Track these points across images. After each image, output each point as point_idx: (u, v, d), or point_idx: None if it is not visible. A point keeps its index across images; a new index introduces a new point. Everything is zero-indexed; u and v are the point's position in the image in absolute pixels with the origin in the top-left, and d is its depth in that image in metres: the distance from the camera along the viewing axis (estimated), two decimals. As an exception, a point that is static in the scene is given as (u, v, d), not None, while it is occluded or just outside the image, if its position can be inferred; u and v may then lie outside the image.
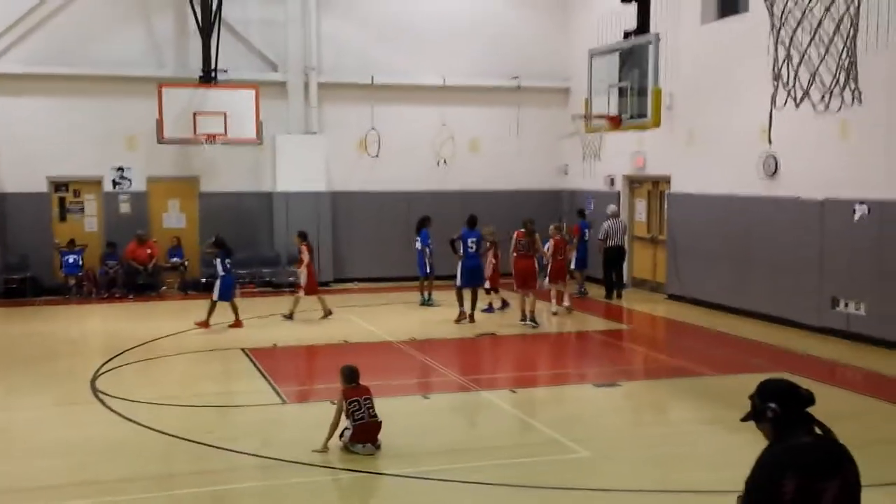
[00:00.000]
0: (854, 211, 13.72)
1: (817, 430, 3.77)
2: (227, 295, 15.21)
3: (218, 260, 15.25)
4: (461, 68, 21.34)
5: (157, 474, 8.18)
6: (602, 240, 18.66)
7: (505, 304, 16.85)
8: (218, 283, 15.18)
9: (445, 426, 9.89)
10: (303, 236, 16.46)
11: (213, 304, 15.06)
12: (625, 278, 20.05)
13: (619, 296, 18.89)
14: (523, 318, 15.52)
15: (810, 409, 3.81)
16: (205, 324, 14.94)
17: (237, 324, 15.18)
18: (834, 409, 10.25)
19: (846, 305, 14.04)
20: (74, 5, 19.25)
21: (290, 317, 16.02)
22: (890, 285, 13.19)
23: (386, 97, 20.90)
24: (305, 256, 16.20)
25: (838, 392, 10.77)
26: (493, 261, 16.53)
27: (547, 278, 16.67)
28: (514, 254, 15.78)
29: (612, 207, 19.25)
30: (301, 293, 16.26)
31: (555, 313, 16.60)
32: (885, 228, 13.23)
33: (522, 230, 15.76)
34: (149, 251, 19.22)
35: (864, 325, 13.64)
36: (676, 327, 16.00)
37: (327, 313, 16.21)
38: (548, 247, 16.52)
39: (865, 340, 13.44)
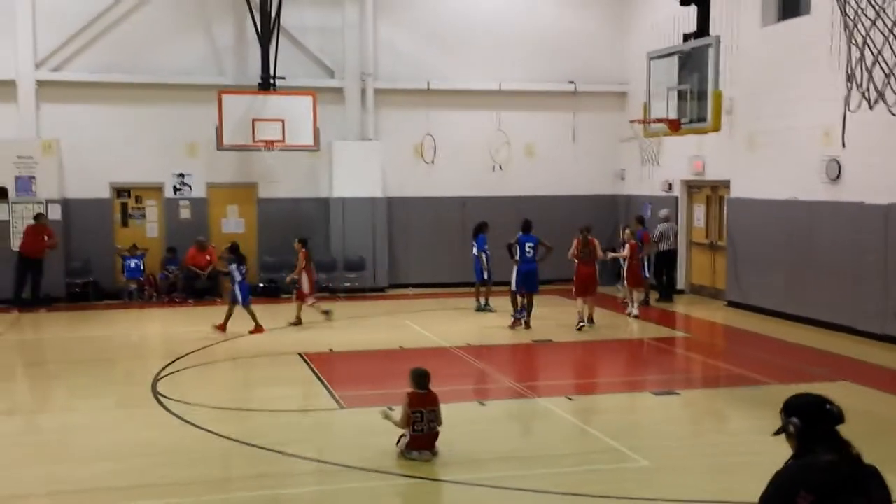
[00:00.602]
0: (921, 216, 13.36)
1: (851, 450, 3.64)
2: (245, 300, 15.37)
3: (234, 266, 15.43)
4: (516, 73, 21.28)
5: (215, 478, 8.26)
6: (655, 242, 18.61)
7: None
8: (237, 288, 15.34)
9: (502, 433, 9.83)
10: (303, 242, 16.50)
11: (245, 308, 15.31)
12: (682, 284, 19.85)
13: (671, 299, 18.74)
14: (580, 324, 15.48)
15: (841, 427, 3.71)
16: (222, 327, 15.20)
17: (258, 329, 15.27)
18: (901, 420, 10.02)
19: (913, 313, 13.68)
20: (137, 14, 19.61)
21: (297, 322, 16.07)
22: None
23: (441, 103, 20.92)
24: (304, 263, 16.20)
25: (905, 402, 10.48)
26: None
27: (625, 282, 17.22)
28: (576, 260, 15.83)
29: (664, 211, 19.19)
30: (310, 300, 16.27)
31: (636, 316, 16.83)
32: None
33: (580, 237, 15.84)
34: (208, 257, 19.46)
35: (932, 333, 13.28)
36: (736, 334, 15.73)
37: (297, 322, 16.11)
38: (625, 250, 17.02)
39: (933, 349, 13.08)
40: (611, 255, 17.69)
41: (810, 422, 3.73)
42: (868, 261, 14.36)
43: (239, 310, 15.29)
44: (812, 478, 3.50)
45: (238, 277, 15.44)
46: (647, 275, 18.26)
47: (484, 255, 17.35)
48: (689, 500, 7.49)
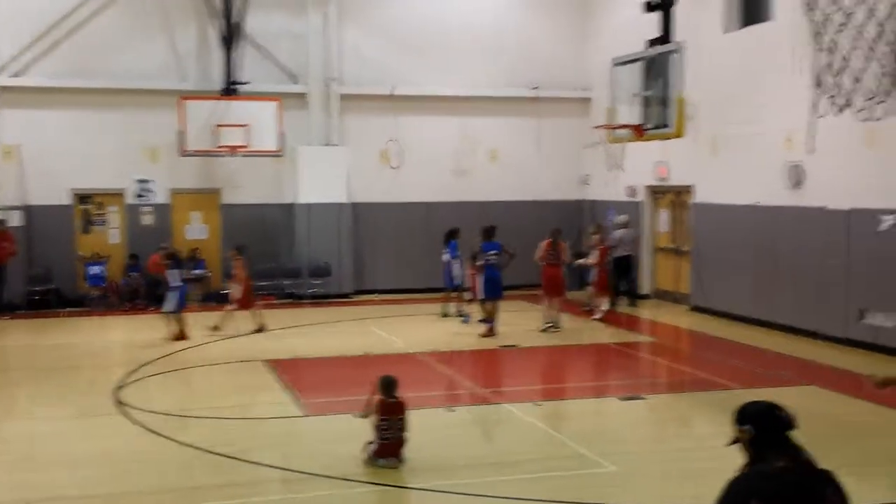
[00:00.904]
0: (881, 221, 13.55)
1: (803, 455, 3.65)
2: (179, 307, 15.22)
3: (173, 272, 15.32)
4: (481, 79, 21.31)
5: (180, 486, 8.15)
6: (612, 247, 18.73)
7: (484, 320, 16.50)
8: (175, 294, 15.20)
9: (469, 439, 9.81)
10: (240, 250, 16.45)
11: (174, 315, 15.14)
12: (646, 289, 19.97)
13: (634, 304, 18.88)
14: (548, 324, 15.74)
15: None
16: (183, 335, 15.05)
17: (182, 336, 15.08)
18: (864, 423, 10.15)
19: (874, 317, 13.84)
20: (98, 19, 19.38)
21: (217, 329, 15.79)
22: (919, 296, 13.01)
23: (407, 108, 20.90)
24: (240, 272, 16.17)
25: (869, 406, 10.59)
26: (472, 271, 16.30)
27: (593, 287, 17.40)
28: (543, 263, 15.98)
29: (622, 217, 19.35)
30: (233, 307, 16.09)
31: (600, 320, 17.04)
32: (913, 239, 13.05)
33: (550, 240, 16.06)
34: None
35: (892, 337, 13.45)
36: (701, 339, 15.84)
37: (260, 328, 16.00)
38: (594, 256, 17.28)
39: (893, 353, 13.23)
40: (578, 262, 17.78)
41: (761, 429, 3.72)
42: (831, 265, 14.53)
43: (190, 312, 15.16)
44: (763, 486, 3.49)
45: (176, 283, 15.28)
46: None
47: (458, 262, 17.24)
48: (657, 504, 7.51)
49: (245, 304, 16.22)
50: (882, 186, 13.58)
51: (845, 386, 11.44)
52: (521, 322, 16.59)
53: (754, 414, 3.79)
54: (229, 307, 16.21)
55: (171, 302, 15.25)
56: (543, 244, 16.17)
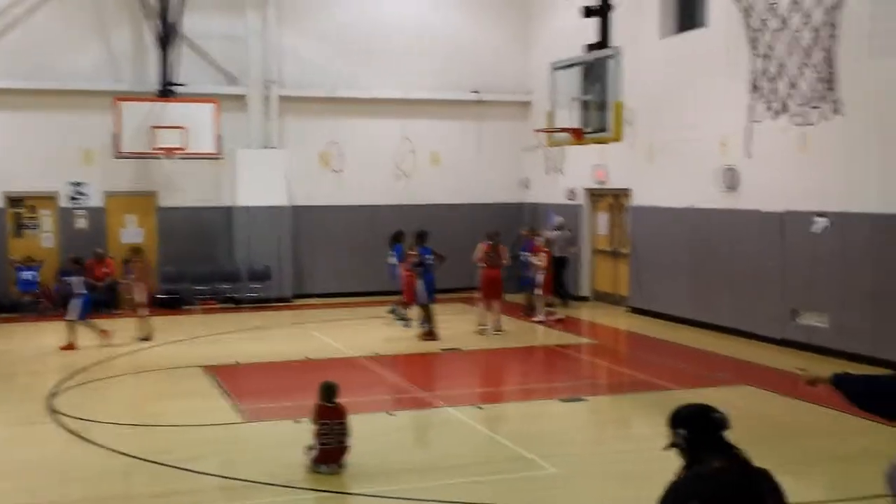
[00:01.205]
0: (814, 223, 13.85)
1: (739, 455, 3.70)
2: (82, 315, 14.85)
3: (75, 279, 15.02)
4: (422, 82, 21.30)
5: (115, 496, 7.99)
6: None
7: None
8: (79, 301, 14.83)
9: (411, 444, 9.78)
10: (137, 251, 16.19)
11: (76, 322, 14.74)
12: (586, 291, 20.16)
13: (566, 304, 19.05)
14: (482, 327, 15.89)
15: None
16: (72, 346, 14.59)
17: (70, 346, 14.57)
18: (800, 422, 10.36)
19: (808, 318, 14.14)
20: (30, 20, 18.93)
21: (147, 338, 15.38)
22: (851, 297, 13.32)
23: (347, 111, 20.80)
24: (140, 274, 15.83)
25: (805, 406, 10.81)
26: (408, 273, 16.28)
27: (540, 289, 17.33)
28: (482, 265, 16.12)
29: (557, 219, 19.56)
30: (146, 312, 15.60)
31: (542, 322, 17.18)
32: (845, 240, 13.37)
33: (490, 243, 16.14)
34: (105, 269, 18.86)
35: (826, 337, 13.75)
36: (639, 341, 16.02)
37: (146, 337, 15.42)
38: (541, 258, 17.22)
39: (827, 353, 13.52)
40: (531, 260, 17.80)
41: (696, 431, 3.76)
42: (766, 267, 14.81)
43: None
44: (702, 487, 3.52)
45: (80, 291, 14.93)
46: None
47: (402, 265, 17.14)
48: (598, 506, 7.57)
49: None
50: (815, 189, 13.88)
51: (781, 386, 11.66)
52: (461, 325, 16.60)
53: (688, 417, 3.84)
54: (142, 312, 15.60)
55: (73, 310, 14.78)
56: (482, 246, 16.26)
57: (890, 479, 4.37)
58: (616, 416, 11.17)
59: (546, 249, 17.49)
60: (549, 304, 17.65)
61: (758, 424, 9.71)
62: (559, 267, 19.22)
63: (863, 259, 13.14)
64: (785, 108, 8.94)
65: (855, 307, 13.25)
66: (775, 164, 14.52)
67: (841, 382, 5.09)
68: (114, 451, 9.07)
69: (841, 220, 13.44)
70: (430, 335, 15.43)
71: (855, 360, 12.90)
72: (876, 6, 12.42)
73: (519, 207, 22.28)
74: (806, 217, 13.98)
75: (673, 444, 3.85)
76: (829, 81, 8.97)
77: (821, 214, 13.75)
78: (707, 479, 3.54)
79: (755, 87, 9.04)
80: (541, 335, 16.49)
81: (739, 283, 15.41)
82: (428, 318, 15.59)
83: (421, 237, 16.03)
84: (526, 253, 17.91)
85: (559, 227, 19.38)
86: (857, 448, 9.20)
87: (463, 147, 21.80)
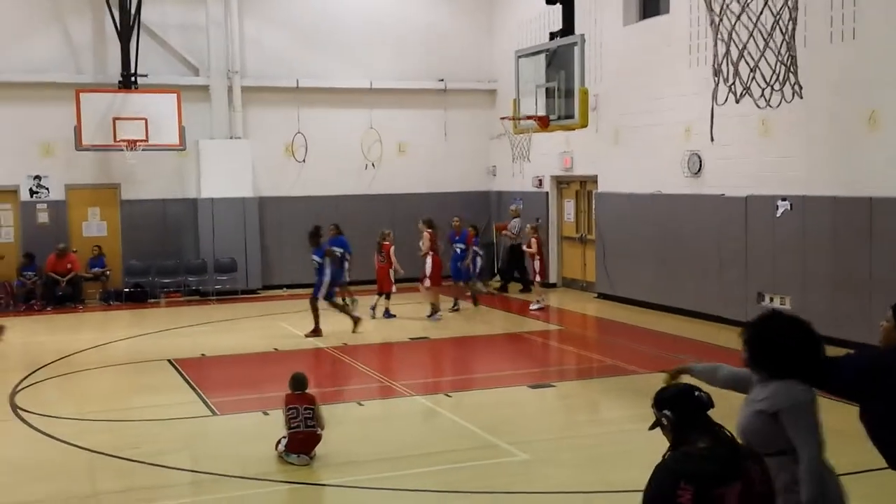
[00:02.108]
0: (777, 207, 14.00)
1: (724, 433, 3.73)
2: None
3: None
4: (387, 71, 21.22)
5: (82, 493, 7.89)
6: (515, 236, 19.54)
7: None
8: None
9: (381, 433, 9.76)
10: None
11: None
12: (553, 277, 20.25)
13: (527, 290, 19.24)
14: (433, 313, 16.26)
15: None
16: None
17: None
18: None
19: (771, 300, 14.31)
20: (-14, 9, 18.62)
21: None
22: (813, 279, 13.48)
23: (312, 101, 20.66)
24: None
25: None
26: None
27: (538, 276, 17.59)
28: (432, 252, 16.54)
29: (515, 206, 19.84)
30: None
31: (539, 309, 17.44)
32: (807, 224, 13.52)
33: (431, 231, 16.61)
34: (69, 264, 18.64)
35: (790, 319, 13.90)
36: (607, 326, 16.11)
37: None
38: (533, 245, 17.48)
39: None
40: (524, 248, 18.11)
41: (682, 412, 3.80)
42: (730, 250, 14.95)
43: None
44: (689, 468, 3.53)
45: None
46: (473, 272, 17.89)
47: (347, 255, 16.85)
48: (569, 490, 7.60)
49: None
50: (777, 174, 14.03)
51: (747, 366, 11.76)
52: (423, 312, 16.57)
53: (672, 398, 3.87)
54: None
55: None
56: (429, 235, 16.51)
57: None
58: (585, 400, 11.22)
59: (537, 236, 17.68)
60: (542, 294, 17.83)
61: (724, 405, 9.78)
62: (517, 254, 19.45)
63: (823, 242, 13.29)
64: (747, 92, 8.99)
65: (816, 289, 13.41)
66: (738, 150, 14.66)
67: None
68: (78, 447, 8.96)
69: (802, 204, 13.59)
70: (315, 332, 14.74)
71: (819, 341, 13.06)
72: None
73: (486, 196, 22.30)
74: (769, 201, 14.12)
75: (657, 424, 3.88)
76: (789, 66, 9.03)
77: (783, 198, 13.89)
78: (694, 458, 3.56)
79: (717, 71, 9.09)
80: (508, 322, 16.54)
81: (704, 267, 15.54)
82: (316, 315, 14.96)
83: (317, 235, 15.32)
84: (460, 244, 17.53)
85: (515, 216, 19.70)
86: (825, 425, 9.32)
87: (429, 136, 21.75)
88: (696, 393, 3.86)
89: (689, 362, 5.23)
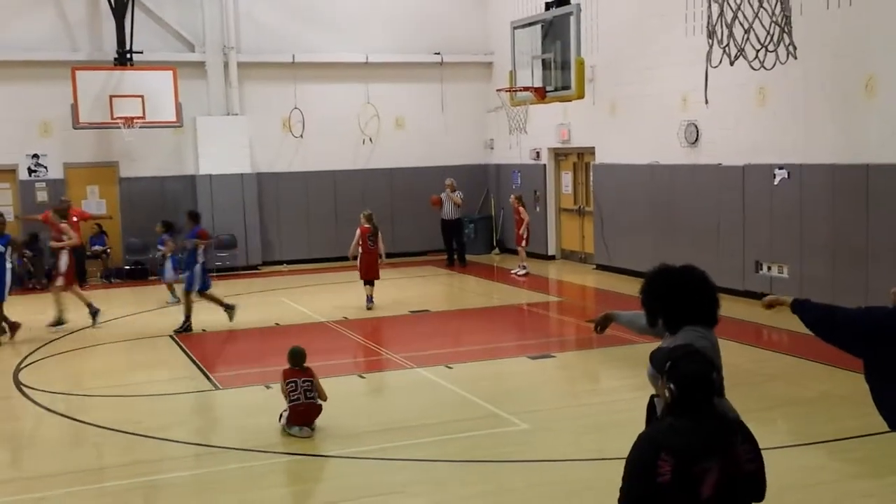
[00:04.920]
0: (774, 176, 14.01)
1: (715, 409, 3.65)
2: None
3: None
4: (384, 45, 21.14)
5: (86, 467, 7.96)
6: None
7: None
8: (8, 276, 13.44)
9: (383, 405, 9.84)
10: (61, 213, 14.82)
11: None
12: (552, 250, 20.34)
13: (463, 262, 19.73)
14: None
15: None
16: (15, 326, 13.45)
17: None
18: (763, 370, 10.55)
19: (769, 269, 14.36)
20: (-21, -12, 18.53)
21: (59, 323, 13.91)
22: (810, 248, 13.51)
23: (308, 76, 20.61)
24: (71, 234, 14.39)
25: (767, 354, 11.03)
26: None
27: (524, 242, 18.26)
28: (361, 250, 15.02)
29: (448, 180, 19.92)
30: (60, 283, 14.03)
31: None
32: (804, 192, 13.54)
33: (368, 226, 14.98)
34: (75, 218, 18.34)
35: (787, 287, 13.94)
36: (606, 296, 16.16)
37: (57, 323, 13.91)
38: (525, 216, 18.29)
39: (788, 303, 13.72)
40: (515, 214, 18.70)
41: (690, 392, 3.61)
42: (728, 220, 14.97)
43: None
44: (673, 439, 3.49)
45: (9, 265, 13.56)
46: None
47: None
48: (570, 458, 7.68)
49: (70, 280, 14.28)
50: (774, 143, 14.03)
51: (744, 335, 11.85)
52: (430, 287, 16.66)
53: (688, 376, 3.62)
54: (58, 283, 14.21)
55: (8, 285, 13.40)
56: (362, 230, 14.99)
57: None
58: (584, 370, 11.30)
59: (521, 205, 18.43)
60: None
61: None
62: (454, 228, 19.85)
63: (821, 210, 13.31)
64: (741, 53, 8.98)
65: (814, 257, 13.45)
66: (735, 119, 14.65)
67: (801, 308, 5.06)
68: (82, 422, 9.05)
69: (799, 172, 13.60)
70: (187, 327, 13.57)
71: (816, 309, 13.12)
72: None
73: (484, 168, 22.30)
74: (766, 170, 14.12)
75: (661, 395, 3.79)
76: (784, 26, 9.01)
77: (780, 167, 13.91)
78: (679, 431, 3.52)
79: (712, 33, 9.07)
80: (508, 294, 16.60)
81: (702, 236, 15.56)
82: (189, 309, 13.67)
83: (193, 217, 14.30)
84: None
85: (451, 188, 19.76)
86: (815, 393, 9.42)
87: (427, 110, 21.71)
88: (713, 376, 3.64)
89: (614, 310, 5.32)
